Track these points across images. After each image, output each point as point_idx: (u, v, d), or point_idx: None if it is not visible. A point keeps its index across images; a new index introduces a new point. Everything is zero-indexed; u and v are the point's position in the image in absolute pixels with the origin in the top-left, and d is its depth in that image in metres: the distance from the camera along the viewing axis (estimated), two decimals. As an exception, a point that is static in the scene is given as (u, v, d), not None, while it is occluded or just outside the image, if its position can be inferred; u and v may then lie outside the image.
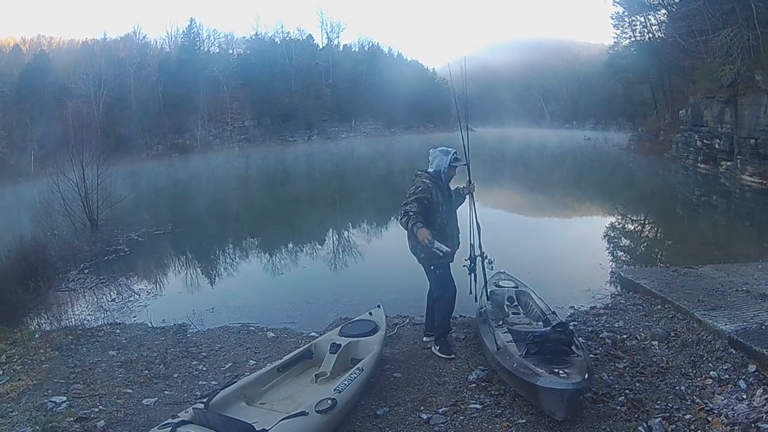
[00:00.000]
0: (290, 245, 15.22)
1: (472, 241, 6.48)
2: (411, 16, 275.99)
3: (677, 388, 5.43)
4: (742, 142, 26.55)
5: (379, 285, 10.33)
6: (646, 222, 18.66)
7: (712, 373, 5.63)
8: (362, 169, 39.27)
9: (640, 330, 7.03)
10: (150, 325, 8.28)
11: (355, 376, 5.07)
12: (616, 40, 55.16)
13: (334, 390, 4.73)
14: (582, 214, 20.86)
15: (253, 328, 7.92)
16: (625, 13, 51.00)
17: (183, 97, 58.51)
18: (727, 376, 5.52)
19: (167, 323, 8.33)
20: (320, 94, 75.41)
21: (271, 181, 33.09)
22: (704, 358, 5.99)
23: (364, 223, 18.19)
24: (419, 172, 6.31)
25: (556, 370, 4.67)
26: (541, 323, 6.25)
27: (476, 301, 6.60)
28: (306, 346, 5.94)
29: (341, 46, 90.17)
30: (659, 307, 7.78)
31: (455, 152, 6.25)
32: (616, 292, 9.15)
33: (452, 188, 6.51)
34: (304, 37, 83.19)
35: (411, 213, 5.80)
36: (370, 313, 6.61)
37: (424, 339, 6.93)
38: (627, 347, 6.54)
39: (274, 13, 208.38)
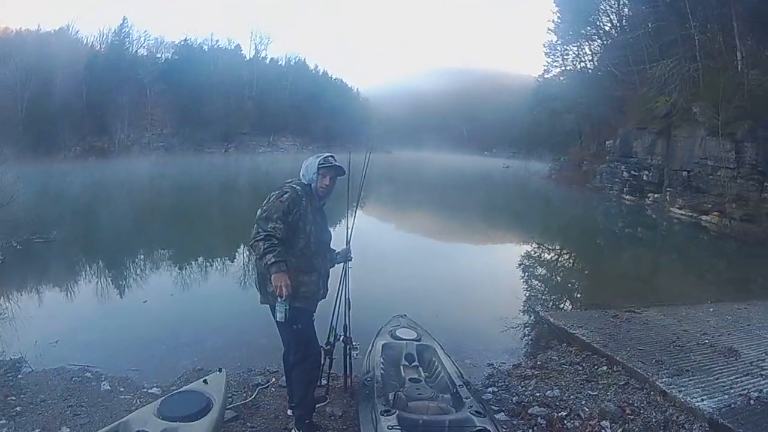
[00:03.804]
0: (165, 268, 14.02)
1: (334, 323, 5.46)
2: (340, 35, 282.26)
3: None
4: (672, 175, 27.11)
5: (250, 326, 8.55)
6: (574, 258, 17.77)
7: (694, 473, 4.27)
8: (263, 187, 38.61)
9: (583, 403, 5.53)
10: (-17, 360, 7.05)
11: None
12: (546, 68, 56.05)
13: None
14: (501, 250, 19.62)
15: (89, 375, 6.58)
16: (559, 42, 52.18)
17: (107, 98, 57.45)
18: (715, 478, 4.22)
19: (3, 357, 6.99)
20: (241, 105, 75.28)
21: (173, 196, 32.16)
22: (679, 451, 4.52)
23: (239, 249, 16.48)
24: (288, 181, 4.83)
25: None
26: (448, 397, 4.65)
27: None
28: (109, 427, 4.27)
29: (268, 59, 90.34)
30: (605, 368, 6.33)
31: (328, 155, 4.93)
32: (545, 345, 7.75)
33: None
34: (233, 47, 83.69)
35: (275, 239, 4.41)
36: (206, 381, 4.94)
37: (289, 413, 5.26)
38: (568, 430, 5.01)
39: (208, 22, 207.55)
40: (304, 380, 4.84)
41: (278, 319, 4.51)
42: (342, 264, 5.33)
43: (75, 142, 53.35)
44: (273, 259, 4.33)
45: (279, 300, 4.41)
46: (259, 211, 4.52)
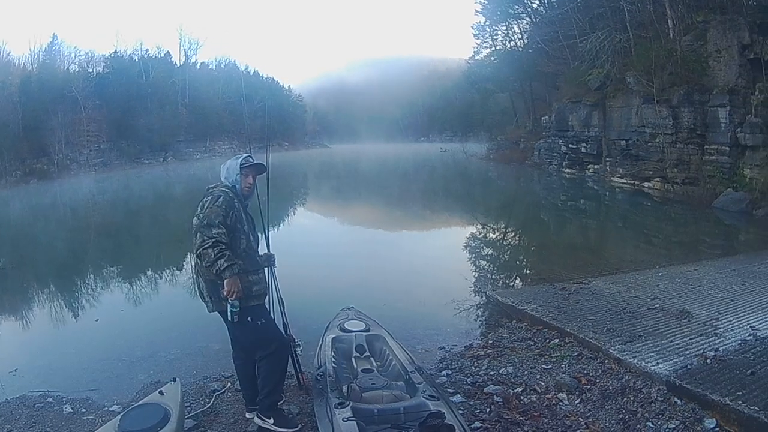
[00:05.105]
0: (113, 285, 13.70)
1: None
2: (268, 33, 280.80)
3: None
4: (611, 145, 27.61)
5: (202, 333, 8.47)
6: (520, 236, 17.89)
7: (655, 437, 4.27)
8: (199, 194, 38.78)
9: (538, 377, 5.50)
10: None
11: None
12: (476, 50, 56.37)
13: None
14: (446, 233, 19.46)
15: (51, 399, 6.54)
16: (487, 23, 52.44)
17: (43, 118, 56.27)
18: (679, 440, 4.22)
19: (-34, 392, 6.92)
20: (176, 113, 74.24)
21: (113, 212, 31.28)
22: (639, 415, 4.58)
23: (186, 258, 16.22)
24: (211, 186, 4.83)
25: None
26: (401, 384, 4.66)
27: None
28: None
29: (198, 64, 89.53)
30: (557, 341, 6.33)
31: (247, 155, 5.05)
32: (496, 324, 7.72)
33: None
34: (162, 54, 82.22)
35: (223, 245, 4.37)
36: (162, 393, 4.92)
37: (247, 416, 5.21)
38: (525, 405, 4.95)
39: (135, 31, 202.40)
40: (276, 371, 4.88)
41: (234, 320, 4.47)
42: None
43: (15, 166, 52.33)
44: (226, 264, 4.32)
45: (230, 301, 4.37)
46: (196, 220, 4.47)
